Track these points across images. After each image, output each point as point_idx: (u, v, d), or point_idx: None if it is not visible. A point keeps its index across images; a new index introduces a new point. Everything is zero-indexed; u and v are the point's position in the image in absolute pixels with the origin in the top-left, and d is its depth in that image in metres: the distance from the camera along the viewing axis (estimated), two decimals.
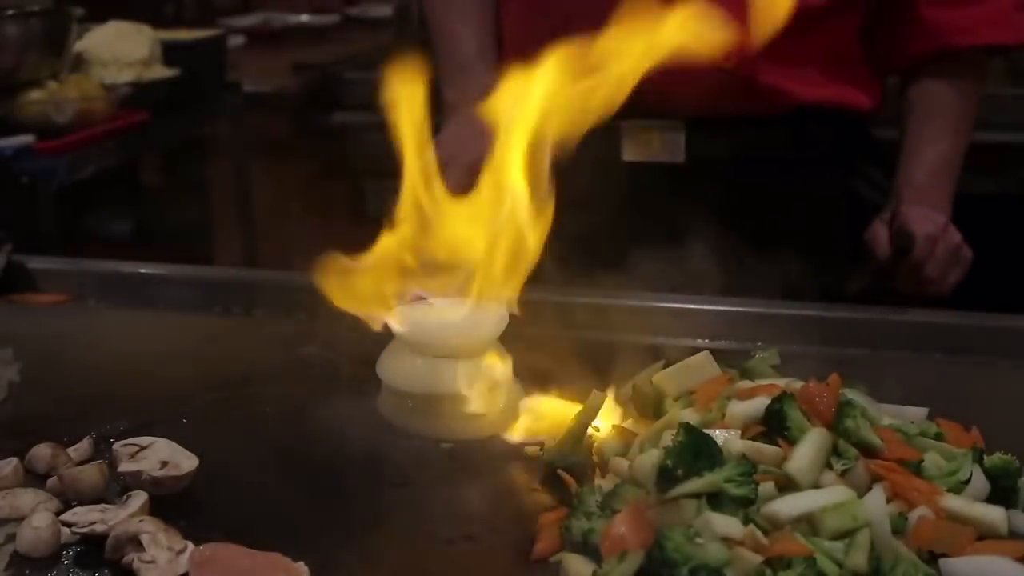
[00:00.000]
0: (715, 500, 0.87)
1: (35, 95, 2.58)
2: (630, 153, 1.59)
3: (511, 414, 1.15)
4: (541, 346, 1.19)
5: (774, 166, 1.59)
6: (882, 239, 1.53)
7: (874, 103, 1.65)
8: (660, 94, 1.54)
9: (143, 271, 1.59)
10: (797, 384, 1.02)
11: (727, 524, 0.84)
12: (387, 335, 1.17)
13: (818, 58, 1.57)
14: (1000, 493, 0.95)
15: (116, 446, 1.06)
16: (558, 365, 1.19)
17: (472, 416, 1.13)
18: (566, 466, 1.04)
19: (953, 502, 0.91)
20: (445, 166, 1.26)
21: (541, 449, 1.07)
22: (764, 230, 1.57)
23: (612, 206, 1.48)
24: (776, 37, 1.51)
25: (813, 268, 1.53)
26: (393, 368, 1.16)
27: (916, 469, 0.94)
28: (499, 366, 1.16)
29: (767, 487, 0.90)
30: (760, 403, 0.98)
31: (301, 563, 0.89)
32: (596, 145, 1.59)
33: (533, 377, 1.18)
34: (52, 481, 1.01)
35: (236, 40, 3.95)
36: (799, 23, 1.53)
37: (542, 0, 1.63)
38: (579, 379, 1.14)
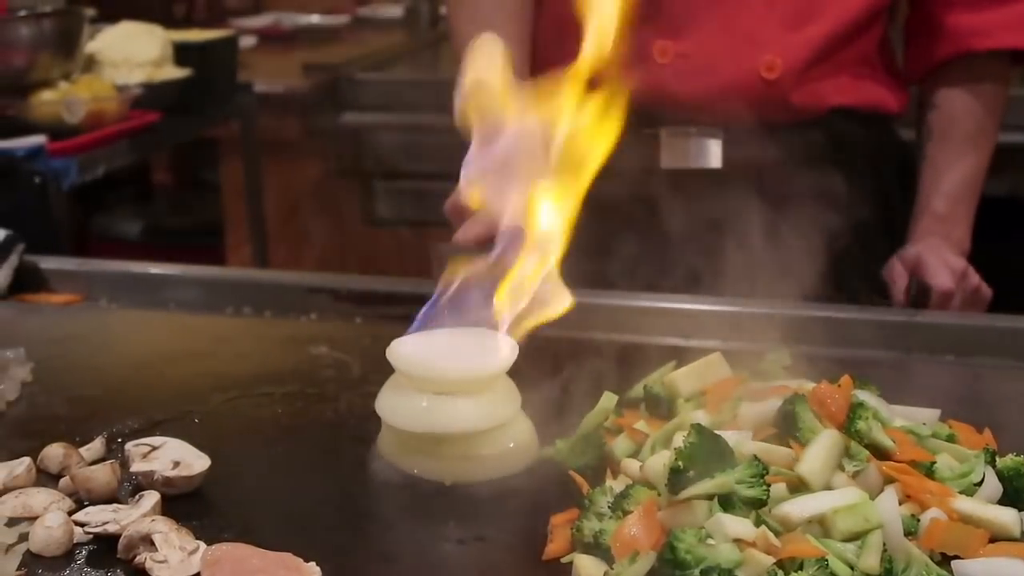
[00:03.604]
0: (727, 501, 0.87)
1: (47, 96, 2.59)
2: (668, 160, 1.60)
3: (521, 454, 1.08)
4: (553, 346, 1.19)
5: (807, 167, 1.60)
6: (899, 284, 1.53)
7: (901, 105, 1.66)
8: (698, 106, 1.56)
9: (154, 271, 1.60)
10: (809, 385, 1.02)
11: (739, 525, 0.84)
12: (398, 329, 1.15)
13: (848, 69, 1.59)
14: (1013, 495, 0.95)
15: (128, 446, 1.06)
16: (570, 365, 1.19)
17: (479, 457, 1.06)
18: (577, 467, 1.04)
19: (965, 504, 0.91)
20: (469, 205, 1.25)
21: (553, 449, 1.07)
22: (799, 230, 1.58)
23: (650, 212, 1.49)
24: (810, 58, 1.53)
25: (847, 266, 1.53)
26: (393, 405, 1.08)
27: (928, 471, 0.94)
28: (507, 402, 1.08)
29: (779, 488, 0.90)
30: (772, 404, 0.98)
31: (313, 563, 0.89)
32: (634, 153, 1.60)
33: (545, 377, 1.17)
34: (64, 481, 1.01)
35: (247, 41, 3.96)
36: (832, 42, 1.54)
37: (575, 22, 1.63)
38: (590, 380, 1.14)
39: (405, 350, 1.09)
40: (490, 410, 1.06)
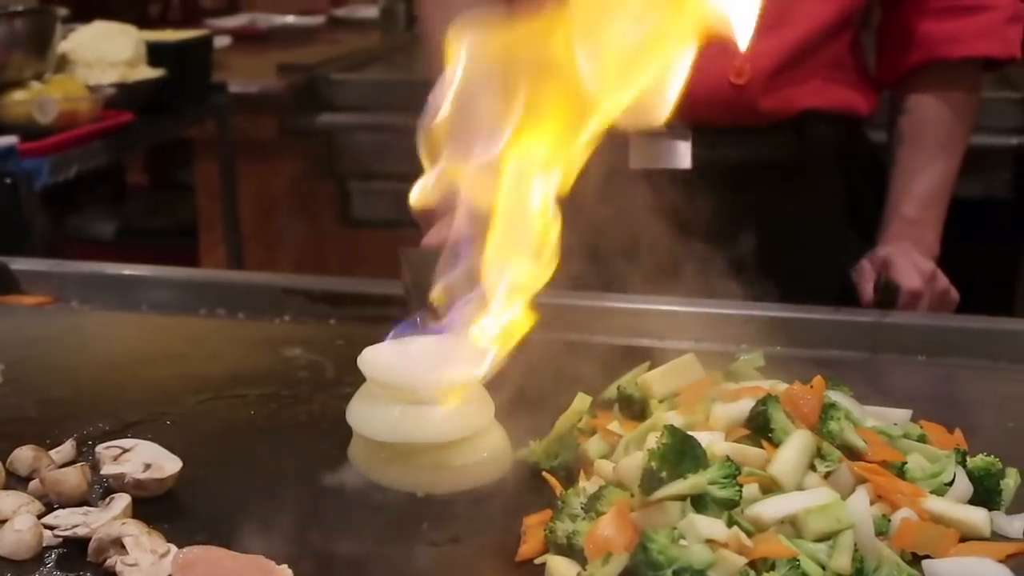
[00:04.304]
0: (699, 502, 0.87)
1: (19, 96, 2.57)
2: (637, 160, 1.60)
3: (494, 464, 1.06)
4: (526, 348, 1.19)
5: (777, 169, 1.61)
6: (868, 285, 1.54)
7: (871, 107, 1.66)
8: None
9: (127, 272, 1.59)
10: (781, 386, 1.03)
11: (711, 526, 0.85)
12: (372, 331, 1.14)
13: (818, 73, 1.60)
14: (983, 494, 0.95)
15: (99, 448, 1.05)
16: (543, 366, 1.19)
17: (452, 468, 1.03)
18: (551, 468, 1.04)
19: (936, 504, 0.92)
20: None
21: (527, 451, 1.07)
22: (769, 232, 1.58)
23: (619, 213, 1.49)
24: (779, 63, 1.53)
25: (817, 267, 1.54)
26: (364, 415, 1.05)
27: (899, 471, 0.95)
28: (481, 412, 1.06)
29: (751, 489, 0.90)
30: (744, 405, 0.98)
31: (285, 566, 0.89)
32: (604, 153, 1.59)
33: (518, 378, 1.17)
34: (34, 483, 1.00)
35: (222, 41, 3.94)
36: (802, 47, 1.55)
37: None
38: (564, 381, 1.14)
39: (377, 359, 1.07)
40: (463, 419, 1.04)
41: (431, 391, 1.03)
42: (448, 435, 1.03)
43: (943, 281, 1.55)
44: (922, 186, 1.62)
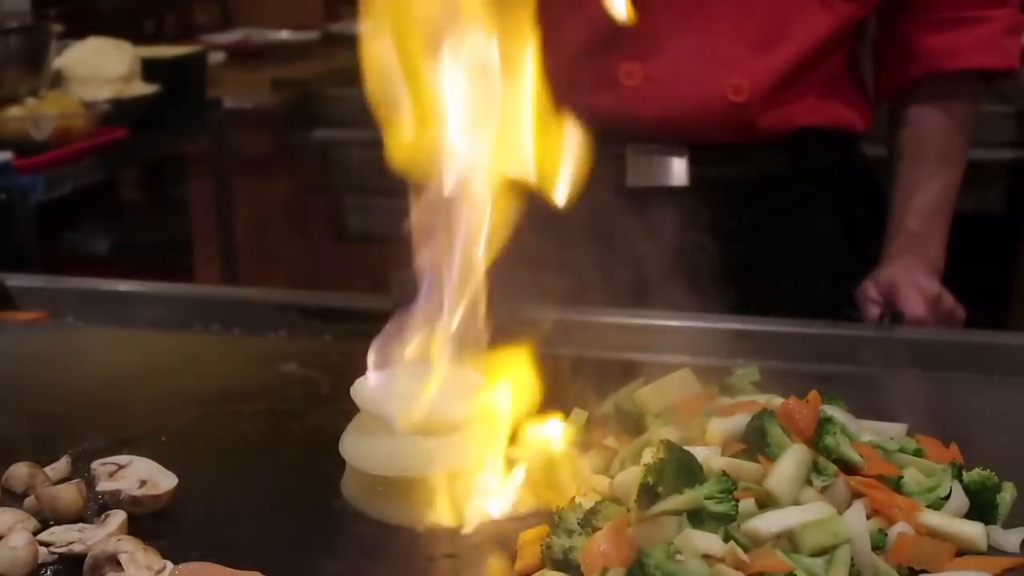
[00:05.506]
0: (696, 517, 0.87)
1: (14, 112, 2.58)
2: (634, 178, 1.60)
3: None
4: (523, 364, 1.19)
5: (773, 185, 1.61)
6: (873, 310, 1.54)
7: (867, 123, 1.66)
8: (664, 127, 1.56)
9: (122, 288, 1.59)
10: (777, 401, 1.03)
11: (708, 541, 0.85)
12: (365, 349, 1.13)
13: (816, 89, 1.60)
14: (979, 509, 0.96)
15: (94, 465, 1.05)
16: (539, 382, 1.19)
17: (452, 501, 0.99)
18: (547, 483, 1.04)
19: (932, 518, 0.92)
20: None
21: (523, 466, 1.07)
22: (765, 248, 1.58)
23: (617, 230, 1.50)
24: (777, 80, 1.54)
25: (813, 283, 1.54)
26: (359, 447, 1.02)
27: (896, 485, 0.95)
28: (481, 442, 1.02)
29: (747, 504, 0.90)
30: (740, 420, 0.99)
31: None
32: (600, 171, 1.59)
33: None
34: (30, 500, 1.00)
35: (217, 57, 3.94)
36: (799, 63, 1.55)
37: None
38: (559, 396, 1.14)
39: (370, 389, 1.03)
40: (462, 451, 1.00)
41: (427, 422, 1.00)
42: (447, 467, 1.00)
43: (949, 302, 1.54)
44: (925, 199, 1.61)
